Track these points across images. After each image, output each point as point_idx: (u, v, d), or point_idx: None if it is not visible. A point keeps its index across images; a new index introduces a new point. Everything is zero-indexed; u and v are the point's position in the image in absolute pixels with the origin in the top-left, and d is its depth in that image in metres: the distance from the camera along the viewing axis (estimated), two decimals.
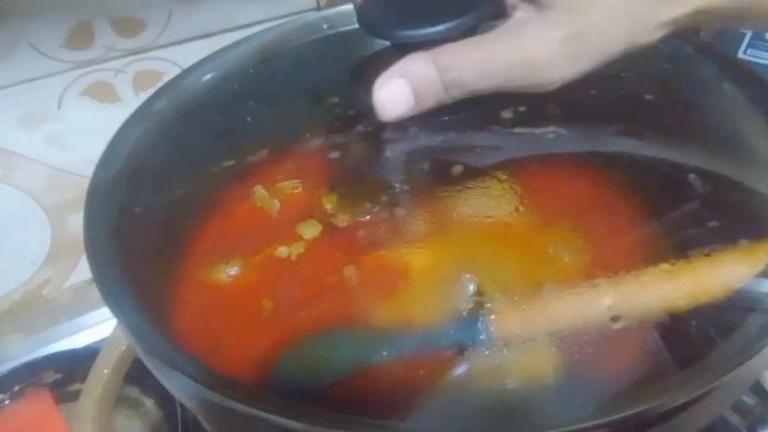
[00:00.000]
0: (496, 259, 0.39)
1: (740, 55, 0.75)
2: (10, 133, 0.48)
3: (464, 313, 0.37)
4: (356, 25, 0.46)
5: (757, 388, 0.48)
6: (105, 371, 0.25)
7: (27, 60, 0.46)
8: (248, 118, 0.46)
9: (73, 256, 0.57)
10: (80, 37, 0.47)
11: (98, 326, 0.55)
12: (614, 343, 0.35)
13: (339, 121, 0.52)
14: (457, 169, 0.38)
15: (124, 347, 0.26)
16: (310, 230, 0.43)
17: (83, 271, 0.59)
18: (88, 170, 0.53)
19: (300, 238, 0.43)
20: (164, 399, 0.46)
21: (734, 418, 0.47)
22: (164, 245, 0.39)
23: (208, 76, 0.42)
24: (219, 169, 0.46)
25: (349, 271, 0.40)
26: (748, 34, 0.74)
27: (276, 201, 0.45)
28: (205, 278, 0.40)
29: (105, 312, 0.57)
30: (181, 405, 0.45)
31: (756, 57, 0.74)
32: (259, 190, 0.46)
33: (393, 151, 0.42)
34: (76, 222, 0.55)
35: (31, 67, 0.46)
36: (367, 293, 0.38)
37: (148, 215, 0.37)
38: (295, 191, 0.47)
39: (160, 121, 0.38)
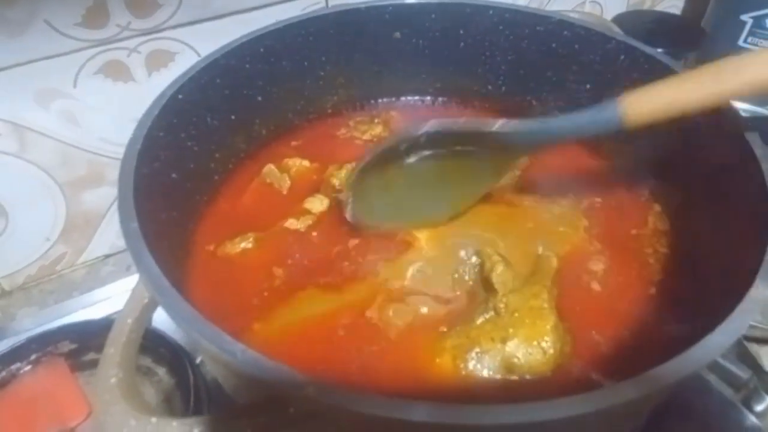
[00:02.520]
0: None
1: (740, 43, 0.76)
2: (26, 109, 0.49)
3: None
4: (361, 4, 0.48)
5: (750, 363, 0.50)
6: (129, 321, 0.26)
7: (43, 38, 0.47)
8: (259, 97, 0.48)
9: (87, 232, 0.59)
10: (95, 16, 0.48)
11: (110, 300, 0.56)
12: None
13: (346, 101, 0.54)
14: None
15: (146, 300, 0.27)
16: (318, 205, 0.45)
17: (97, 246, 0.60)
18: (102, 148, 0.55)
19: (308, 212, 0.44)
20: (175, 367, 0.47)
21: (728, 392, 0.49)
22: (182, 215, 0.41)
23: (225, 59, 0.43)
24: (233, 145, 0.47)
25: (354, 243, 0.42)
26: (749, 23, 0.75)
27: (286, 177, 0.47)
28: (219, 251, 0.41)
29: (117, 287, 0.59)
30: (193, 372, 0.46)
31: (755, 45, 0.75)
32: (270, 168, 0.48)
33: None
34: (89, 198, 0.57)
35: (47, 45, 0.47)
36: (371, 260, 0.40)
37: (168, 186, 0.38)
38: (304, 168, 0.49)
39: (179, 103, 0.39)
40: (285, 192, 0.46)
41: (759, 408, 0.47)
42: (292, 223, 0.43)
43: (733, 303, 0.26)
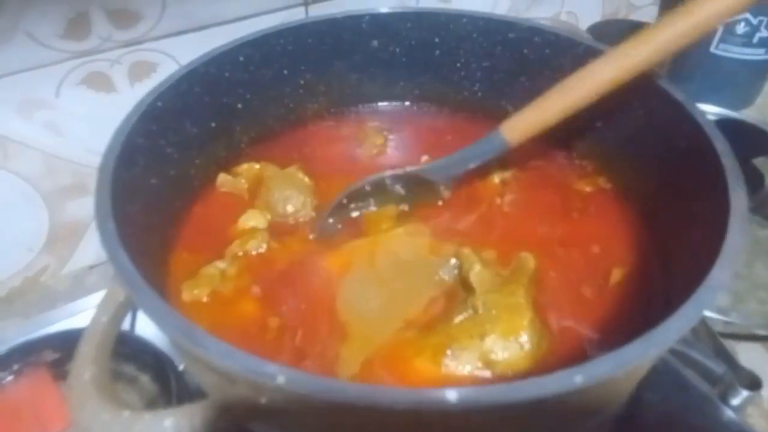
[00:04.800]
0: None
1: (712, 50, 0.78)
2: (9, 120, 0.50)
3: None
4: (338, 14, 0.50)
5: (726, 358, 0.50)
6: (104, 319, 0.27)
7: (25, 49, 0.48)
8: (239, 105, 0.49)
9: (71, 243, 0.59)
10: (77, 27, 0.49)
11: (94, 310, 0.56)
12: None
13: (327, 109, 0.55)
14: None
15: (122, 299, 0.28)
16: (262, 220, 0.45)
17: (81, 257, 0.61)
18: (85, 158, 0.55)
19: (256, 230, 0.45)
20: (159, 375, 0.48)
21: (705, 387, 0.50)
22: (162, 220, 0.41)
23: (204, 67, 0.44)
24: (214, 152, 0.48)
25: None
26: (720, 30, 0.77)
27: (242, 180, 0.48)
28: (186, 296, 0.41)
29: (101, 297, 0.59)
30: (176, 379, 0.47)
31: (726, 51, 0.77)
32: (223, 177, 0.48)
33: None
34: (73, 209, 0.57)
35: (29, 56, 0.48)
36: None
37: (148, 192, 0.39)
38: (255, 170, 0.49)
39: (158, 110, 0.40)
40: (246, 196, 0.47)
41: (735, 402, 0.48)
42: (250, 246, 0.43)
43: (695, 288, 0.27)
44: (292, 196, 0.46)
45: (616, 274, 0.41)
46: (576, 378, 0.23)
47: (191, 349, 0.24)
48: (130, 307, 0.28)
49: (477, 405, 0.23)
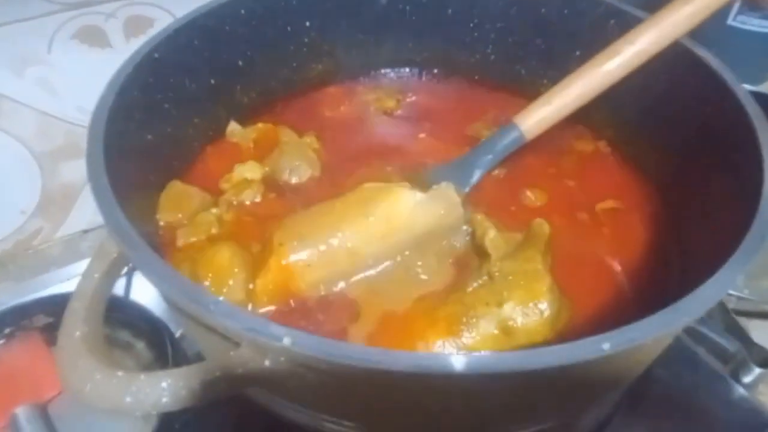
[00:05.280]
0: None
1: (729, 22, 0.76)
2: (1, 76, 0.48)
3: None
4: None
5: (739, 335, 0.49)
6: (96, 275, 0.25)
7: (16, 0, 0.45)
8: (240, 62, 0.46)
9: (65, 206, 0.57)
10: None
11: None
12: None
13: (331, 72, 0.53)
14: None
15: (115, 255, 0.26)
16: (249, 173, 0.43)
17: (75, 221, 0.59)
18: (78, 118, 0.53)
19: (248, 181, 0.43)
20: (154, 341, 0.46)
21: (717, 365, 0.48)
22: (158, 178, 0.39)
23: (204, 19, 0.42)
24: (214, 112, 0.46)
25: None
26: (738, 1, 0.74)
27: (252, 133, 0.46)
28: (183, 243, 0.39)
29: None
30: (172, 345, 0.45)
31: (744, 24, 0.75)
32: (233, 125, 0.46)
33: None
34: (66, 171, 0.55)
35: (20, 7, 0.46)
36: None
37: (143, 148, 0.37)
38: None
39: (155, 62, 0.38)
40: (252, 146, 0.46)
41: (747, 379, 0.47)
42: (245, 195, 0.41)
43: (729, 254, 0.26)
44: (300, 168, 0.44)
45: (631, 246, 0.39)
46: (604, 345, 0.21)
47: (193, 309, 0.23)
48: (123, 263, 0.26)
49: (498, 372, 0.21)
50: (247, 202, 0.41)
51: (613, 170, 0.45)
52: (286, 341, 0.21)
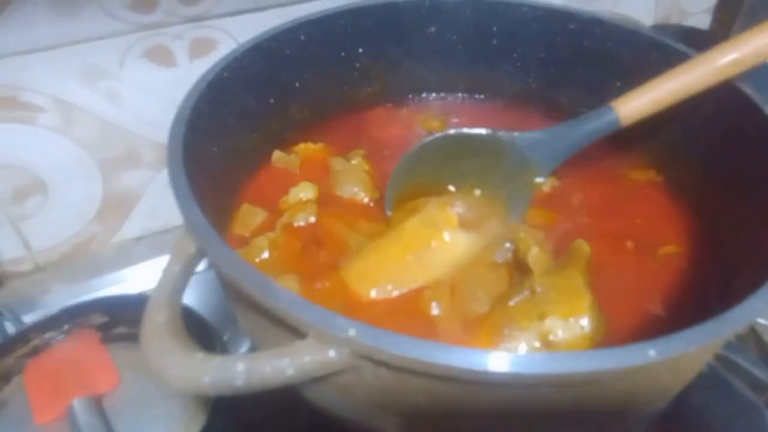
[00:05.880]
0: None
1: None
2: (73, 87, 0.51)
3: None
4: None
5: None
6: (176, 269, 0.27)
7: (94, 19, 0.49)
8: (296, 83, 0.49)
9: (122, 213, 0.61)
10: (145, 0, 0.50)
11: (141, 279, 0.58)
12: None
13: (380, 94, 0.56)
14: None
15: (193, 250, 0.28)
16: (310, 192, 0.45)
17: (130, 228, 0.62)
18: (142, 129, 0.57)
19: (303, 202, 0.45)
20: (204, 344, 0.48)
21: (751, 395, 0.49)
22: (221, 192, 0.42)
23: (267, 43, 0.45)
24: (269, 128, 0.49)
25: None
26: None
27: (296, 158, 0.48)
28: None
29: (148, 266, 0.60)
30: (221, 348, 0.48)
31: None
32: (278, 154, 0.49)
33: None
34: (126, 179, 0.59)
35: (97, 26, 0.50)
36: None
37: (209, 159, 0.40)
38: (310, 149, 0.50)
39: (223, 80, 0.41)
40: (297, 172, 0.48)
41: None
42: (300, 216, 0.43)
43: (762, 281, 0.27)
44: (358, 194, 0.46)
45: (670, 268, 0.40)
46: (650, 351, 0.23)
47: (264, 300, 0.25)
48: (199, 258, 0.29)
49: (548, 374, 0.23)
50: (302, 223, 0.43)
51: (661, 198, 0.46)
52: (351, 332, 0.23)
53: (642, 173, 0.48)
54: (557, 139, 0.42)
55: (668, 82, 0.39)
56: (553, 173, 0.45)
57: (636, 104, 0.40)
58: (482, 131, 0.42)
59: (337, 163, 0.48)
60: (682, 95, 0.39)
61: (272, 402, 0.42)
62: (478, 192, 0.44)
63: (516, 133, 0.42)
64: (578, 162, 0.48)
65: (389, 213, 0.43)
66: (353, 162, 0.48)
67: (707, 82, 0.38)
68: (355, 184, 0.46)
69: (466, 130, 0.42)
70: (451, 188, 0.44)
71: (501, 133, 0.42)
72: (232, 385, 0.24)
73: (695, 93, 0.39)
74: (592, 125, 0.41)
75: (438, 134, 0.42)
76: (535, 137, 0.42)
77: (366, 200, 0.46)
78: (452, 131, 0.42)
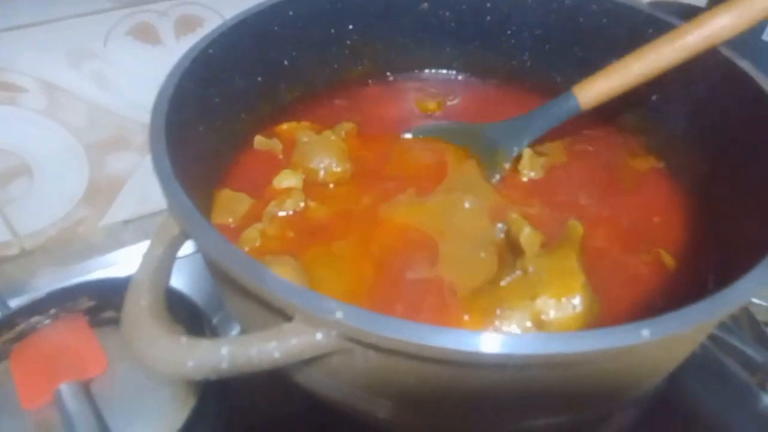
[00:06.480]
0: None
1: (764, 37, 0.76)
2: (58, 68, 0.50)
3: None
4: None
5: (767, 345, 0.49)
6: (158, 251, 0.27)
7: None
8: (286, 62, 0.48)
9: (109, 196, 0.60)
10: None
11: (129, 262, 0.57)
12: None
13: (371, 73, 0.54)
14: None
15: (176, 232, 0.27)
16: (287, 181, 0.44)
17: (117, 211, 0.61)
18: (128, 112, 0.55)
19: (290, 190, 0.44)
20: (193, 327, 0.48)
21: (745, 376, 0.48)
22: (208, 171, 0.41)
23: (255, 19, 0.44)
24: (259, 108, 0.48)
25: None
26: None
27: (277, 141, 0.47)
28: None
29: (137, 249, 0.59)
30: (210, 332, 0.47)
31: None
32: (258, 138, 0.48)
33: None
34: (113, 162, 0.58)
35: (81, 3, 0.48)
36: None
37: (196, 139, 0.39)
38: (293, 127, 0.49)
39: (209, 57, 0.40)
40: (281, 156, 0.47)
41: None
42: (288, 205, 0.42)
43: (756, 263, 0.26)
44: (332, 163, 0.45)
45: (665, 250, 0.40)
46: (644, 331, 0.22)
47: (249, 282, 0.24)
48: (182, 240, 0.28)
49: (540, 354, 0.22)
50: (291, 212, 0.42)
51: (661, 184, 0.46)
52: (339, 315, 0.23)
53: (643, 160, 0.47)
54: (520, 128, 0.45)
55: (630, 65, 0.39)
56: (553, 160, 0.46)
57: (596, 89, 0.41)
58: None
59: (303, 136, 0.46)
60: (643, 78, 0.39)
61: (264, 386, 0.42)
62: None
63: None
64: (577, 147, 0.47)
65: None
66: (332, 137, 0.47)
67: (671, 61, 0.38)
68: (324, 154, 0.45)
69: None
70: None
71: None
72: (217, 369, 0.23)
73: (658, 74, 0.39)
74: (554, 112, 0.44)
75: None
76: (499, 127, 0.46)
77: (339, 170, 0.45)
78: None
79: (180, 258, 0.53)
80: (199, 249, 0.26)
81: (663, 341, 0.23)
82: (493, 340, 0.22)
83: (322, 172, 0.45)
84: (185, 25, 0.53)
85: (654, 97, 0.46)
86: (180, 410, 0.43)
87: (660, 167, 0.47)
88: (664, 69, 0.39)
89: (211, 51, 0.40)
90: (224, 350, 0.23)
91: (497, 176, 0.44)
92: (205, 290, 0.51)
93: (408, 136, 0.48)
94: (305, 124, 0.49)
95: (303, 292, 0.23)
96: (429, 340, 0.22)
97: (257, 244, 0.39)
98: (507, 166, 0.45)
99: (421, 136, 0.48)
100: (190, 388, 0.44)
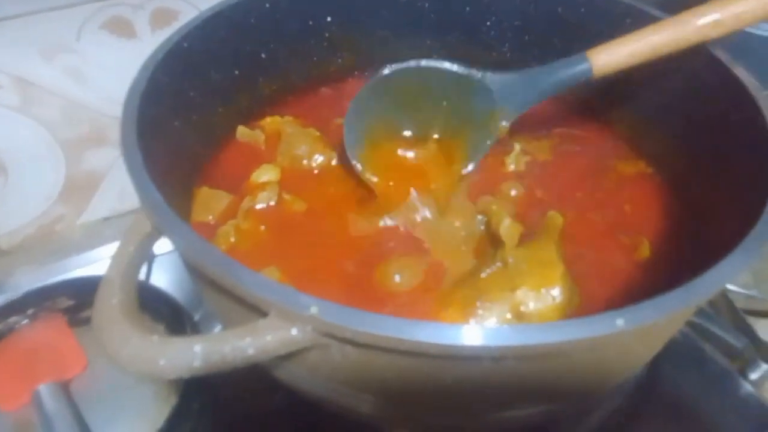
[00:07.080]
0: None
1: (748, 28, 0.76)
2: (31, 63, 0.49)
3: None
4: None
5: (746, 332, 0.50)
6: (130, 249, 0.26)
7: None
8: (263, 54, 0.48)
9: (87, 193, 0.59)
10: None
11: (109, 260, 0.56)
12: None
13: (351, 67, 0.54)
14: None
15: (148, 229, 0.27)
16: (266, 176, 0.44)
17: (96, 208, 0.60)
18: (105, 107, 0.55)
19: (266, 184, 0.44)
20: (174, 325, 0.47)
21: (724, 362, 0.49)
22: (184, 165, 0.41)
23: (231, 11, 0.43)
24: (237, 102, 0.47)
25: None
26: None
27: (260, 132, 0.47)
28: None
29: (114, 248, 0.59)
30: (192, 329, 0.47)
31: (765, 30, 0.75)
32: (242, 129, 0.47)
33: None
34: (90, 158, 0.57)
35: None
36: None
37: (171, 134, 0.38)
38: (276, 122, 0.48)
39: (184, 51, 0.39)
40: (263, 148, 0.46)
41: (754, 376, 0.48)
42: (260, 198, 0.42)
43: (741, 239, 0.27)
44: (314, 151, 0.45)
45: (644, 243, 0.40)
46: (618, 320, 0.22)
47: (225, 279, 0.24)
48: (155, 237, 0.28)
49: (515, 346, 0.22)
50: (264, 205, 0.41)
51: (645, 185, 0.45)
52: (314, 310, 0.23)
53: (631, 164, 0.47)
54: (529, 82, 0.41)
55: (646, 37, 0.38)
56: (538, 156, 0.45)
57: (611, 56, 0.38)
58: (453, 65, 0.41)
59: (289, 126, 0.46)
60: (658, 52, 0.38)
61: (247, 383, 0.42)
62: (436, 136, 0.43)
63: (488, 73, 0.41)
64: (564, 147, 0.47)
65: (359, 166, 0.42)
66: (316, 132, 0.46)
67: (685, 40, 0.37)
68: (306, 144, 0.45)
69: (434, 62, 0.41)
70: (407, 133, 0.44)
71: (473, 71, 0.41)
72: (190, 367, 0.23)
73: (671, 51, 0.38)
74: (565, 72, 0.40)
75: (404, 64, 0.41)
76: (506, 79, 0.41)
77: (323, 157, 0.45)
78: (423, 62, 0.41)
79: (161, 255, 0.53)
80: (172, 245, 0.26)
81: (639, 330, 0.23)
82: (467, 332, 0.22)
83: (305, 160, 0.45)
84: (161, 18, 0.52)
85: (633, 89, 0.46)
86: (162, 408, 0.42)
87: (648, 172, 0.46)
88: (681, 46, 0.37)
89: (185, 44, 0.39)
90: (197, 348, 0.23)
91: (479, 156, 0.42)
92: (187, 288, 0.50)
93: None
94: (288, 119, 0.49)
95: (277, 288, 0.23)
96: (404, 333, 0.22)
97: (232, 240, 0.39)
98: (505, 125, 0.41)
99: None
100: (172, 386, 0.44)
